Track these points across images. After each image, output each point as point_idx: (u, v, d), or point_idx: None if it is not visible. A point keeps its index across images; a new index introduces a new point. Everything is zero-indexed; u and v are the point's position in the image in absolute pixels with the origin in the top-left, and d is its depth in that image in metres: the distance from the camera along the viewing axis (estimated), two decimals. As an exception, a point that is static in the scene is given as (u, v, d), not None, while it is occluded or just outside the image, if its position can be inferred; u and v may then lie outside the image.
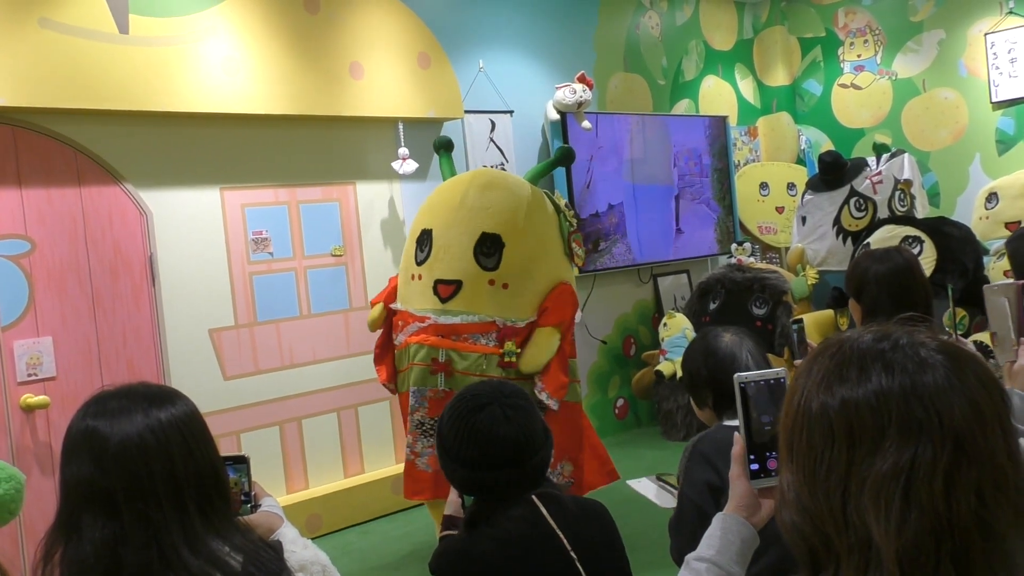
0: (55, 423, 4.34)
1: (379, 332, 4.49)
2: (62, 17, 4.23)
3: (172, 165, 4.78)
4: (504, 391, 2.12)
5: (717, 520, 1.43)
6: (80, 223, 4.46)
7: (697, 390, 2.49)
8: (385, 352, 4.40)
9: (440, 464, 2.15)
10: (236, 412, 4.94)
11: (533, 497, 2.04)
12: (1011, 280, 3.07)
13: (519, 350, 4.11)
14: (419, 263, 4.23)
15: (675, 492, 2.62)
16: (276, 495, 5.05)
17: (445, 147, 4.91)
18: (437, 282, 4.16)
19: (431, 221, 4.28)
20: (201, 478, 1.55)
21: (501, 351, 4.11)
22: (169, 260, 4.74)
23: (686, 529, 2.22)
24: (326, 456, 5.30)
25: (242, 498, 1.85)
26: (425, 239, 4.24)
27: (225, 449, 4.80)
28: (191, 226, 4.83)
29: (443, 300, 4.13)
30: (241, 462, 1.86)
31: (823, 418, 0.99)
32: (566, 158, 4.88)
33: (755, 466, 1.39)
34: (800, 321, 3.38)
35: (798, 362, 3.27)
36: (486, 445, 2.03)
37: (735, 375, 1.41)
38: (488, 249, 4.16)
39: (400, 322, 4.27)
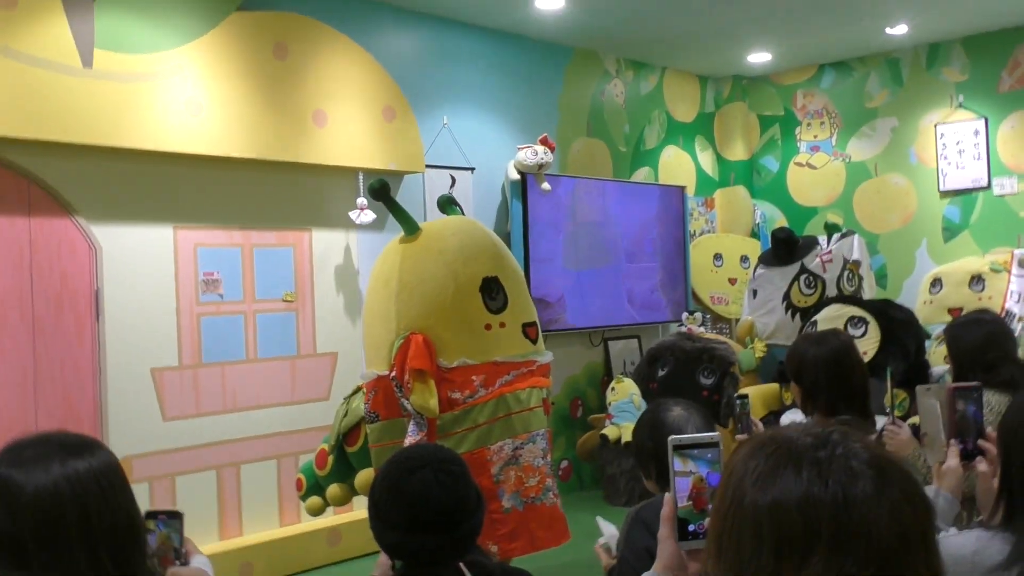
0: (-16, 456, 4.22)
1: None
2: (25, 47, 4.22)
3: (126, 200, 4.75)
4: (439, 455, 2.12)
5: None
6: (27, 252, 4.40)
7: (643, 461, 2.51)
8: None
9: (370, 525, 2.13)
10: (174, 454, 4.86)
11: (461, 565, 2.03)
12: (942, 383, 3.15)
13: None
14: (496, 311, 4.17)
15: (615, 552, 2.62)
16: (209, 541, 4.96)
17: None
18: (525, 325, 4.25)
19: (490, 268, 4.20)
20: (116, 530, 1.52)
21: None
22: (116, 296, 4.68)
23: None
24: (263, 504, 5.22)
25: (172, 554, 1.81)
26: (494, 286, 4.19)
27: (160, 492, 4.74)
28: (141, 263, 4.79)
29: (534, 341, 4.28)
30: (174, 517, 1.82)
31: (754, 517, 1.00)
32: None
33: (687, 527, 1.40)
34: (745, 397, 3.42)
35: (740, 436, 3.31)
36: (416, 509, 2.02)
37: (669, 437, 1.43)
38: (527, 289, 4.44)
39: (475, 376, 4.07)
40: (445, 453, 2.15)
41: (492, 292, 4.17)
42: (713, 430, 2.55)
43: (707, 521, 1.40)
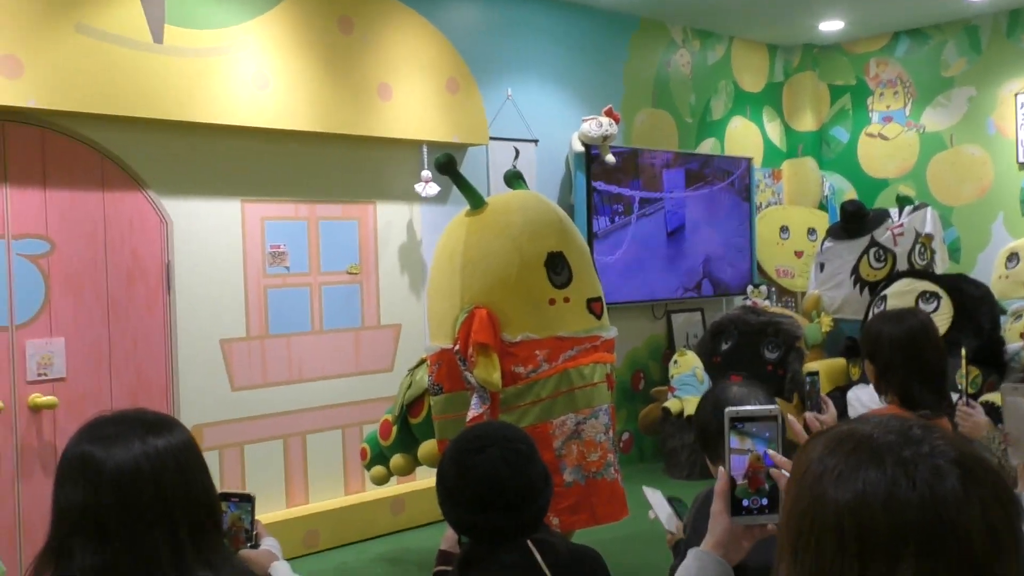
0: (62, 424, 4.36)
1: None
2: (98, 23, 4.29)
3: (195, 175, 4.82)
4: (507, 434, 2.12)
5: (693, 556, 1.41)
6: (101, 227, 4.50)
7: (709, 444, 2.47)
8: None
9: (438, 500, 2.15)
10: (241, 423, 4.95)
11: (528, 543, 2.03)
12: None
13: None
14: (560, 286, 4.16)
15: (676, 521, 2.59)
16: (276, 508, 5.07)
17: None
18: (589, 301, 4.24)
19: (555, 243, 4.18)
20: (195, 508, 1.55)
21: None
22: (186, 269, 4.77)
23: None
24: (328, 473, 5.30)
25: (243, 535, 1.84)
26: (559, 261, 4.17)
27: (229, 461, 4.85)
28: (210, 236, 4.86)
29: (599, 316, 4.27)
30: (246, 500, 1.85)
31: (836, 519, 0.96)
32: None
33: (741, 503, 1.38)
34: (816, 374, 3.36)
35: (809, 414, 3.25)
36: (485, 488, 2.02)
37: (726, 409, 1.40)
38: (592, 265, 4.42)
39: (539, 351, 4.07)
40: (513, 432, 2.15)
41: (557, 267, 4.15)
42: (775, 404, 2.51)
43: (763, 499, 1.37)
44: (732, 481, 1.38)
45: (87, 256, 4.46)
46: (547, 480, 2.13)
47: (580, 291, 4.21)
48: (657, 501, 2.53)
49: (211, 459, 4.78)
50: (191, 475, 1.57)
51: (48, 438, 4.33)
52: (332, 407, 5.31)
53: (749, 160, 7.76)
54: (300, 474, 5.19)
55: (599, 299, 4.32)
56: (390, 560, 5.01)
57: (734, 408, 1.39)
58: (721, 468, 1.40)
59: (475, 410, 3.95)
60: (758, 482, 1.38)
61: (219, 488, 1.70)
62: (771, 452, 1.39)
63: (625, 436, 6.99)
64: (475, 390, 3.98)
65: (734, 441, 1.38)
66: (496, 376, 3.92)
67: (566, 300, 4.15)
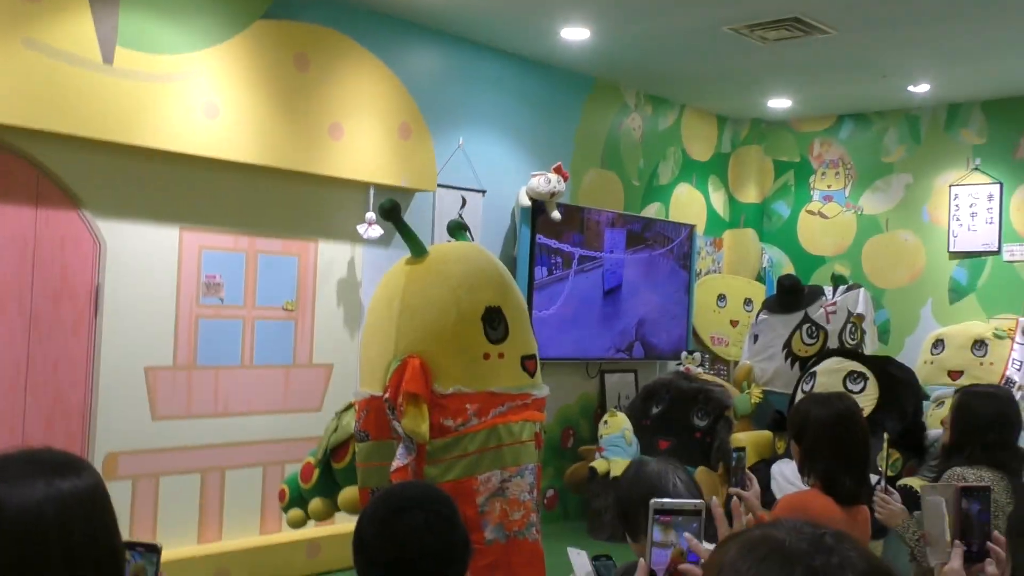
0: (-31, 443, 4.20)
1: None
2: (47, 38, 4.21)
3: (135, 198, 4.73)
4: (431, 496, 2.08)
5: None
6: (31, 243, 4.38)
7: (630, 518, 2.46)
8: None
9: (353, 559, 2.10)
10: (160, 454, 4.83)
11: (441, 611, 1.99)
12: (949, 482, 3.10)
13: None
14: (496, 341, 4.08)
15: None
16: (187, 544, 4.93)
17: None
18: (524, 358, 4.17)
19: (493, 297, 4.11)
20: (99, 559, 1.48)
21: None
22: (116, 292, 4.66)
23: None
24: (244, 511, 5.18)
25: None
26: (496, 316, 4.10)
27: (143, 491, 4.70)
28: (144, 261, 4.77)
29: (532, 374, 4.21)
30: (152, 551, 1.78)
31: None
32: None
33: None
34: (742, 450, 3.37)
35: (734, 490, 3.27)
36: (403, 550, 1.98)
37: (651, 500, 1.39)
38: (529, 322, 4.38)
39: (469, 405, 4.00)
40: (436, 494, 2.12)
41: (494, 322, 4.13)
42: (696, 485, 2.51)
43: None
44: (652, 574, 1.38)
45: (14, 272, 4.34)
46: (466, 546, 2.09)
47: (515, 347, 4.18)
48: (580, 563, 2.50)
49: (124, 488, 4.66)
50: (98, 523, 1.50)
51: (-47, 457, 4.16)
52: (255, 443, 5.20)
53: (692, 227, 7.87)
54: (215, 510, 5.06)
55: (533, 357, 4.29)
56: (301, 606, 4.89)
57: (659, 500, 1.39)
58: (641, 560, 1.39)
59: (400, 460, 3.89)
60: None
61: (125, 536, 1.63)
62: (689, 540, 1.39)
63: (550, 493, 6.96)
64: (402, 440, 3.92)
65: (657, 534, 1.38)
66: (424, 427, 3.87)
67: (500, 356, 4.12)
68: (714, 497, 2.00)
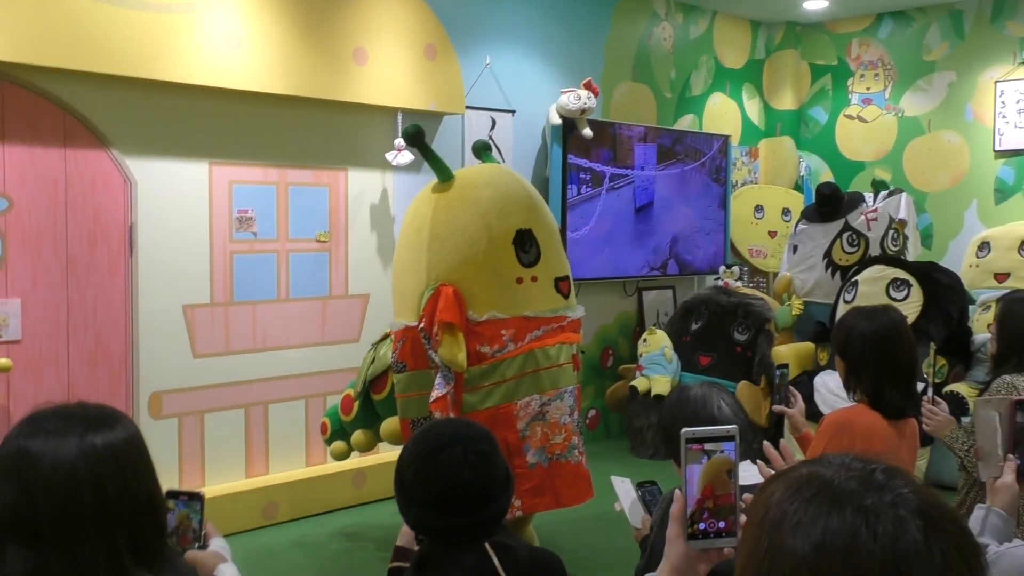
0: (16, 388, 4.26)
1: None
2: (63, -25, 4.12)
3: (162, 135, 4.69)
4: (470, 433, 2.06)
5: None
6: (62, 186, 4.37)
7: (675, 442, 2.43)
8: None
9: (395, 498, 2.09)
10: (202, 391, 4.87)
11: (486, 545, 1.98)
12: (1004, 396, 3.03)
13: None
14: (528, 264, 4.08)
15: (644, 515, 2.56)
16: (235, 478, 5.00)
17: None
18: (557, 280, 4.17)
19: (524, 220, 4.09)
20: (135, 510, 1.48)
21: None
22: (150, 231, 4.65)
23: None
24: (289, 444, 5.24)
25: (191, 535, 1.77)
26: (527, 239, 4.08)
27: (188, 429, 4.76)
28: (176, 198, 4.74)
29: (566, 296, 4.21)
30: (195, 499, 1.78)
31: (793, 569, 0.93)
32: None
33: (698, 526, 1.34)
34: (785, 366, 3.33)
35: (778, 407, 3.23)
36: (444, 488, 1.97)
37: (682, 430, 1.35)
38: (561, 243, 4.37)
39: (504, 331, 4.00)
40: (475, 431, 2.09)
41: (525, 245, 4.08)
42: (740, 406, 2.47)
43: (720, 522, 1.33)
44: (686, 503, 1.34)
45: (47, 215, 4.33)
46: (508, 481, 2.07)
47: (548, 270, 4.14)
48: (624, 491, 2.48)
49: (170, 427, 4.72)
50: (132, 476, 1.50)
51: (2, 401, 4.23)
52: (296, 377, 5.23)
53: (726, 138, 7.70)
54: (261, 444, 5.12)
55: (566, 278, 4.26)
56: (350, 534, 4.97)
57: (689, 429, 1.34)
58: (676, 490, 1.35)
59: (439, 390, 3.89)
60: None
61: (173, 475, 1.63)
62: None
63: (592, 413, 6.98)
64: (439, 369, 3.92)
65: (691, 462, 1.34)
66: (461, 356, 3.86)
67: (533, 279, 4.09)
68: (765, 441, 1.96)
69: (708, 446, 1.34)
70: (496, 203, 4.09)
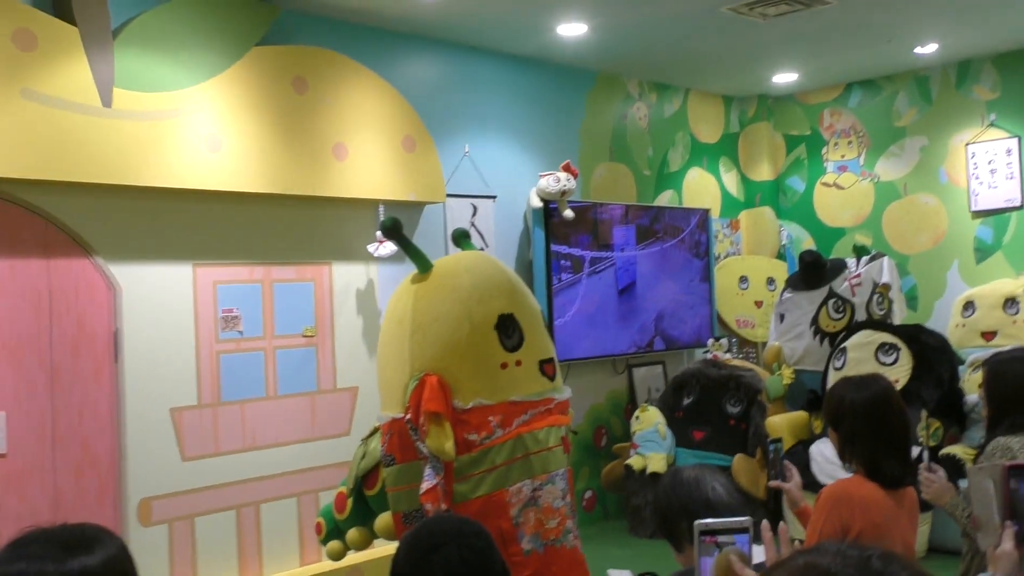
0: (1, 502, 4.18)
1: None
2: (45, 88, 4.18)
3: (145, 239, 4.70)
4: (464, 530, 2.03)
5: None
6: (45, 295, 4.36)
7: (671, 526, 2.41)
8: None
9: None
10: (192, 495, 4.80)
11: (485, 646, 1.93)
12: (996, 462, 3.02)
13: None
14: (512, 349, 4.05)
15: None
16: (229, 582, 4.89)
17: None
18: (542, 363, 4.14)
19: (505, 305, 4.09)
20: None
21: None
22: (135, 336, 4.63)
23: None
24: (283, 543, 5.14)
25: None
26: (510, 324, 4.07)
27: (179, 534, 4.67)
28: (160, 301, 4.74)
29: (551, 378, 4.17)
30: None
31: None
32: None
33: None
34: (779, 441, 3.32)
35: (774, 483, 3.20)
36: (440, 589, 1.93)
37: (695, 522, 1.35)
38: (544, 325, 4.33)
39: (492, 417, 3.97)
40: (469, 527, 2.06)
41: (508, 330, 4.07)
42: (731, 489, 2.45)
43: None
44: None
45: (30, 326, 4.31)
46: (505, 574, 2.03)
47: (532, 353, 4.12)
48: None
49: (161, 534, 4.64)
50: None
51: (-12, 517, 4.15)
52: (287, 475, 5.17)
53: (705, 212, 7.78)
54: (253, 546, 5.03)
55: (551, 360, 4.23)
56: (348, 633, 4.85)
57: (703, 522, 1.34)
58: None
59: (429, 481, 3.84)
60: None
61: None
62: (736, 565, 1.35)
63: (588, 494, 6.90)
64: (428, 460, 3.87)
65: (705, 554, 1.33)
66: (449, 445, 3.82)
67: (518, 363, 4.06)
68: (764, 520, 1.94)
69: (721, 538, 1.34)
70: (476, 289, 4.09)
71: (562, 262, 6.57)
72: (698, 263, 7.65)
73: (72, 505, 4.38)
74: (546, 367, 4.17)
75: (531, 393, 4.06)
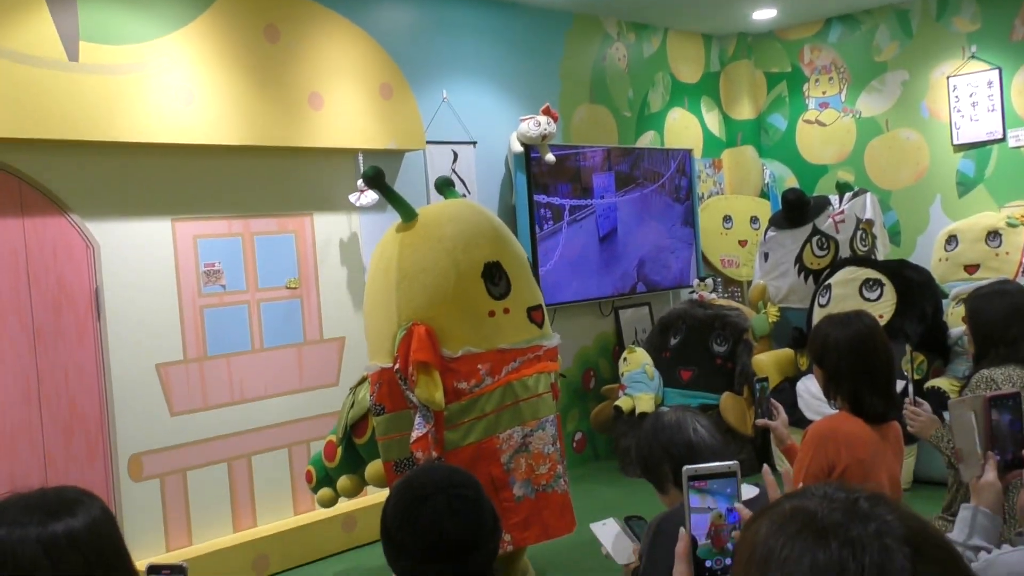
0: (-10, 463, 4.18)
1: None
2: (9, 44, 4.09)
3: (121, 196, 4.65)
4: (453, 480, 2.03)
5: None
6: (22, 256, 4.31)
7: (655, 470, 2.43)
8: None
9: (383, 548, 2.06)
10: (183, 449, 4.80)
11: (476, 592, 1.95)
12: (978, 393, 3.03)
13: None
14: (499, 296, 4.08)
15: (635, 544, 2.55)
16: (223, 534, 4.93)
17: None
18: (530, 310, 4.17)
19: (491, 253, 4.10)
20: None
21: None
22: (116, 293, 4.60)
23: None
24: (276, 493, 5.17)
25: None
26: (496, 271, 4.09)
27: (171, 488, 4.69)
28: (140, 258, 4.70)
29: (540, 325, 4.21)
30: (179, 572, 1.73)
31: None
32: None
33: (704, 564, 1.34)
34: (765, 380, 3.33)
35: (761, 421, 3.22)
36: (430, 539, 1.93)
37: (684, 467, 1.36)
38: (531, 272, 4.35)
39: (481, 365, 4.00)
40: (459, 476, 2.06)
41: (494, 278, 4.08)
42: (714, 431, 2.45)
43: (727, 559, 1.33)
44: (694, 541, 1.33)
45: (9, 286, 4.27)
46: (495, 524, 2.04)
47: (519, 301, 4.14)
48: (605, 533, 2.47)
49: (153, 488, 4.65)
50: (99, 565, 1.44)
51: (-23, 478, 4.15)
52: (277, 426, 5.18)
53: (687, 152, 7.74)
54: (246, 497, 5.05)
55: (539, 307, 4.25)
56: (343, 580, 4.91)
57: (692, 467, 1.34)
58: (681, 529, 1.34)
59: (419, 430, 3.86)
60: (721, 541, 1.34)
61: (160, 540, 1.58)
62: (738, 506, 1.36)
63: (578, 436, 6.95)
64: (418, 409, 3.89)
65: (694, 500, 1.34)
66: (438, 395, 3.84)
67: (506, 311, 4.08)
68: (765, 465, 1.96)
69: (711, 482, 1.34)
70: (462, 237, 4.08)
71: (542, 211, 6.52)
72: (678, 207, 7.62)
73: (63, 463, 4.38)
74: (534, 314, 4.19)
75: (519, 340, 4.08)
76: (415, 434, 3.86)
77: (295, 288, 5.30)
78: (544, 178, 6.51)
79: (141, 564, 1.59)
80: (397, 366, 3.90)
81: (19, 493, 1.49)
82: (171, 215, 4.81)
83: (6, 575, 1.37)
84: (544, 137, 6.33)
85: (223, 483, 4.96)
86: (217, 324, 4.96)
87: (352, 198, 5.38)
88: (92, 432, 4.50)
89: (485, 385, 3.97)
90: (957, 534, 1.95)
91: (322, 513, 5.23)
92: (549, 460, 4.05)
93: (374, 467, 4.28)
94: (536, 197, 6.45)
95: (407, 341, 3.88)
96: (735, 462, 1.37)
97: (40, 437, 4.33)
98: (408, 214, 4.16)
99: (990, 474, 2.00)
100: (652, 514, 2.41)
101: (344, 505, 5.28)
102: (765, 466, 1.94)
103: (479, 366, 3.98)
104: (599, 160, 7.01)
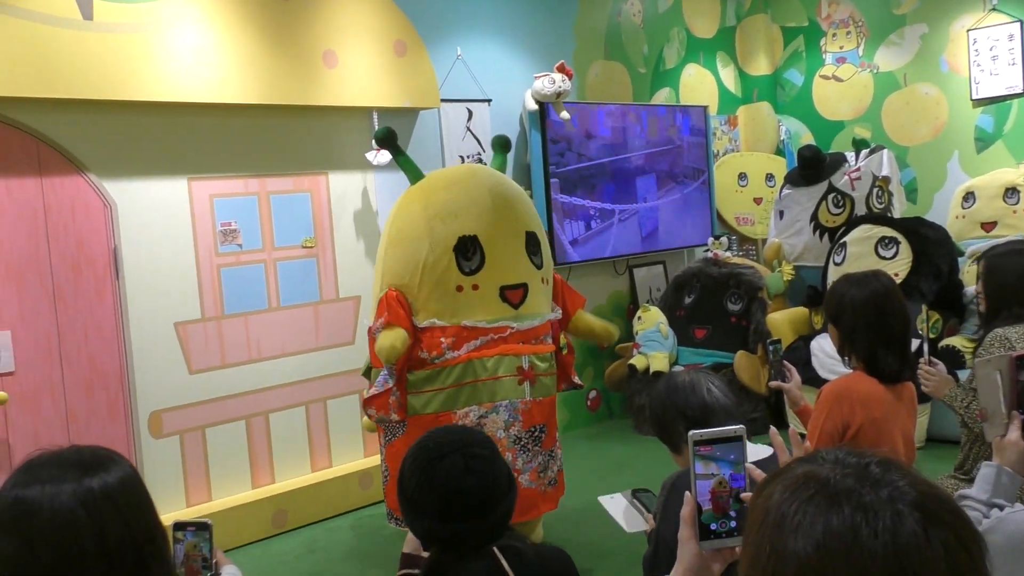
0: (14, 420, 4.24)
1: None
2: (23, 2, 4.08)
3: (138, 155, 4.66)
4: (468, 439, 2.06)
5: None
6: (41, 215, 4.34)
7: (669, 431, 2.45)
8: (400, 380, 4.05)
9: (400, 509, 2.10)
10: (202, 407, 4.86)
11: (494, 549, 1.99)
12: (1003, 352, 3.02)
13: (566, 341, 4.41)
14: (470, 272, 4.01)
15: (646, 514, 2.59)
16: (242, 490, 5.00)
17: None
18: (504, 288, 4.06)
19: (469, 226, 4.02)
20: (138, 552, 1.48)
21: (559, 346, 4.31)
22: (134, 253, 4.63)
23: (660, 572, 2.20)
24: (293, 450, 5.24)
25: (201, 564, 1.78)
26: (470, 246, 4.01)
27: (190, 445, 4.76)
28: (157, 217, 4.72)
29: (515, 306, 4.08)
30: (203, 528, 1.79)
31: (797, 570, 0.94)
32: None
33: (709, 527, 1.36)
34: (778, 341, 3.34)
35: (773, 383, 3.24)
36: (447, 497, 1.97)
37: (689, 432, 1.38)
38: (533, 248, 4.22)
39: (443, 338, 3.99)
40: (474, 436, 2.09)
41: (467, 252, 4.03)
42: (728, 396, 2.47)
43: (732, 522, 1.35)
44: (699, 506, 1.36)
45: (28, 245, 4.31)
46: (511, 483, 2.08)
47: (492, 278, 4.05)
48: (615, 506, 2.50)
49: (172, 445, 4.72)
50: (132, 517, 1.50)
51: (1, 435, 4.22)
52: (294, 384, 5.23)
53: (704, 108, 7.68)
54: (265, 454, 5.12)
55: (518, 286, 4.11)
56: (361, 535, 4.98)
57: (697, 432, 1.36)
58: (687, 493, 1.36)
59: (377, 388, 3.96)
60: (721, 507, 1.36)
61: (180, 498, 1.62)
62: (749, 467, 1.38)
63: (593, 394, 6.99)
64: (384, 367, 3.97)
65: (699, 467, 1.36)
66: (394, 343, 3.84)
67: (475, 287, 4.03)
68: (772, 428, 1.98)
69: (716, 447, 1.36)
70: (446, 207, 4.07)
71: (554, 180, 6.46)
72: (695, 165, 7.57)
73: (85, 420, 4.44)
74: (509, 293, 4.09)
75: (484, 319, 4.02)
76: (372, 391, 3.95)
77: (311, 247, 5.32)
78: (560, 141, 6.45)
79: (165, 519, 1.64)
80: (375, 325, 4.00)
81: (50, 451, 1.53)
82: (187, 174, 4.83)
83: (44, 527, 1.42)
84: (559, 94, 6.29)
85: (242, 440, 5.03)
86: (234, 283, 4.99)
87: (369, 156, 5.37)
88: (112, 390, 4.56)
89: (446, 359, 3.99)
90: (979, 491, 1.97)
91: (339, 470, 5.32)
92: (499, 445, 4.08)
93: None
94: (559, 151, 6.42)
95: (381, 305, 4.01)
96: (741, 426, 1.39)
97: (62, 394, 4.39)
98: (415, 177, 4.20)
99: (1014, 433, 2.01)
100: (666, 474, 2.44)
101: (360, 462, 5.37)
102: (772, 428, 1.96)
103: (441, 339, 3.99)
104: (621, 113, 6.95)
